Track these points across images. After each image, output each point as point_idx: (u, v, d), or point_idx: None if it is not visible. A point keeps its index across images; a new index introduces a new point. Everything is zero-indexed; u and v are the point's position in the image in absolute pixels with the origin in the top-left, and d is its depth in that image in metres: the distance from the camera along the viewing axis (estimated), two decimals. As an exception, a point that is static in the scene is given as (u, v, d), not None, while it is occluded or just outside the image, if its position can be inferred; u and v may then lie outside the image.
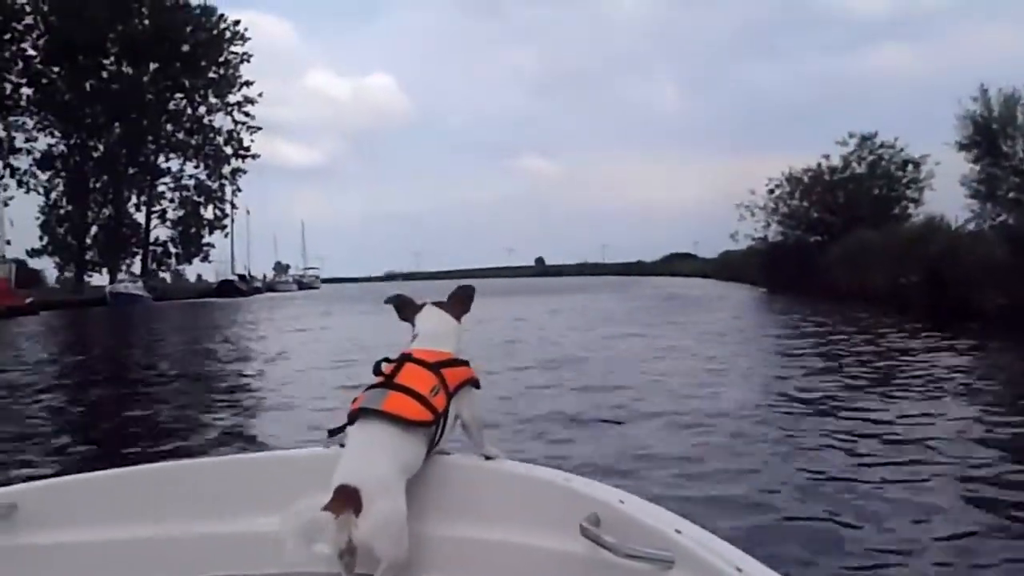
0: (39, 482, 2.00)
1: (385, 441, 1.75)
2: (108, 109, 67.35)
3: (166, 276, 77.57)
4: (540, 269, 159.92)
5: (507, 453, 1.95)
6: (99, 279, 68.59)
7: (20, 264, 56.60)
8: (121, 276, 67.63)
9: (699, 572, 1.42)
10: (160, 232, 74.85)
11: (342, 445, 1.81)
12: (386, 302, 2.06)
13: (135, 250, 73.79)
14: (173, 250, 75.32)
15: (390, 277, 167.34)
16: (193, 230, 75.09)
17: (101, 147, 69.31)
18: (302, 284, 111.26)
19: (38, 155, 67.59)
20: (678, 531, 1.52)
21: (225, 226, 77.58)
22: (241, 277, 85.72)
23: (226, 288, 75.25)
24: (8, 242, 66.88)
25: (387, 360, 1.89)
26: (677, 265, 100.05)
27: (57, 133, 67.56)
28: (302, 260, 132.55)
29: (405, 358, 1.88)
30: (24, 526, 1.87)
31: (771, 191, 40.36)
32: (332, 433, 1.85)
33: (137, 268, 73.11)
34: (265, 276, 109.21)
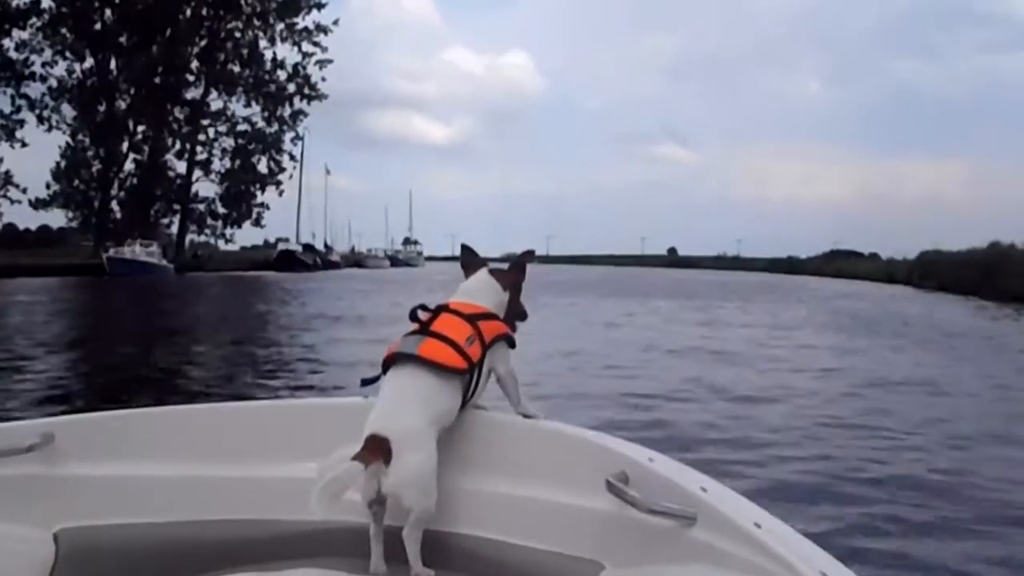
0: (78, 415, 2.00)
1: (418, 389, 1.73)
2: (136, 26, 53.48)
3: (210, 241, 63.54)
4: (672, 259, 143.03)
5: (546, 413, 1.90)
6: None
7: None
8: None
9: (720, 528, 1.44)
10: (204, 188, 60.82)
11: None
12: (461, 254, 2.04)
13: (174, 207, 60.06)
14: (221, 210, 61.07)
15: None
16: (243, 186, 60.62)
17: (129, 75, 55.28)
18: (396, 261, 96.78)
19: (54, 83, 54.30)
20: (703, 489, 1.54)
21: (280, 182, 62.34)
22: (307, 247, 70.72)
23: (286, 260, 60.58)
24: (24, 190, 54.72)
25: (424, 308, 1.87)
26: (843, 264, 79.61)
27: (70, 55, 54.03)
28: (406, 235, 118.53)
29: (442, 308, 1.87)
30: (61, 456, 1.88)
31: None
32: (365, 383, 1.85)
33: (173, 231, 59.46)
34: (354, 248, 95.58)
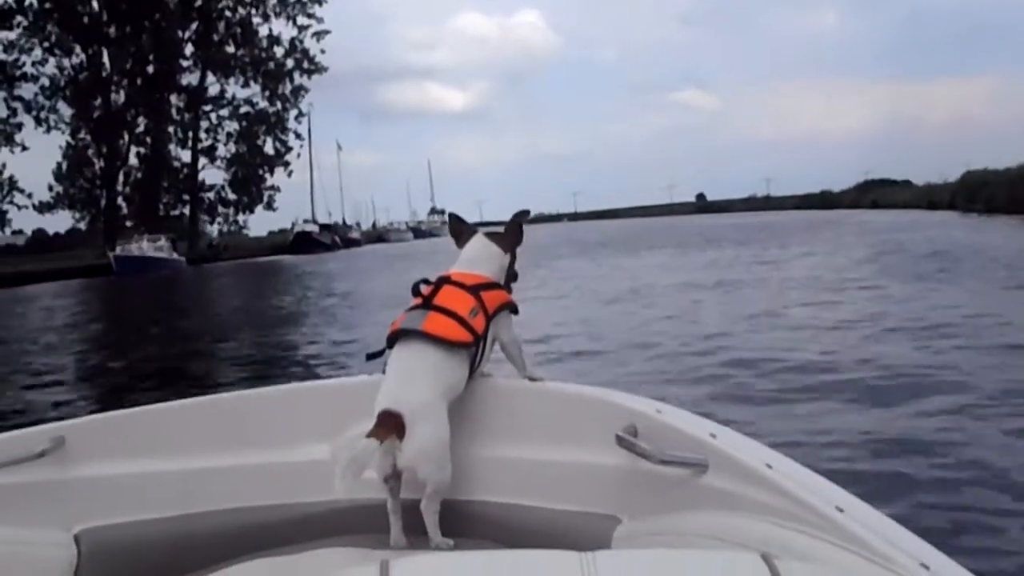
0: (87, 417, 1.99)
1: (426, 363, 1.71)
2: (124, 14, 51.61)
3: (232, 230, 61.95)
4: (702, 205, 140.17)
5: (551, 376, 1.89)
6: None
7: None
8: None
9: (732, 473, 1.46)
10: (211, 175, 59.19)
11: (384, 372, 1.77)
12: (450, 225, 1.98)
13: (183, 198, 58.54)
14: (231, 196, 59.42)
15: (534, 220, 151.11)
16: (251, 170, 58.79)
17: (122, 65, 53.54)
18: (420, 232, 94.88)
19: (46, 82, 52.69)
20: (713, 435, 1.55)
21: (288, 162, 60.45)
22: (325, 227, 69.04)
23: (302, 242, 59.01)
24: (30, 195, 53.58)
25: (426, 282, 1.84)
26: (879, 193, 76.32)
27: (59, 51, 52.29)
28: (430, 204, 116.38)
29: (443, 280, 1.84)
30: (73, 459, 1.87)
31: None
32: (370, 357, 1.82)
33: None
34: (375, 224, 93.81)
